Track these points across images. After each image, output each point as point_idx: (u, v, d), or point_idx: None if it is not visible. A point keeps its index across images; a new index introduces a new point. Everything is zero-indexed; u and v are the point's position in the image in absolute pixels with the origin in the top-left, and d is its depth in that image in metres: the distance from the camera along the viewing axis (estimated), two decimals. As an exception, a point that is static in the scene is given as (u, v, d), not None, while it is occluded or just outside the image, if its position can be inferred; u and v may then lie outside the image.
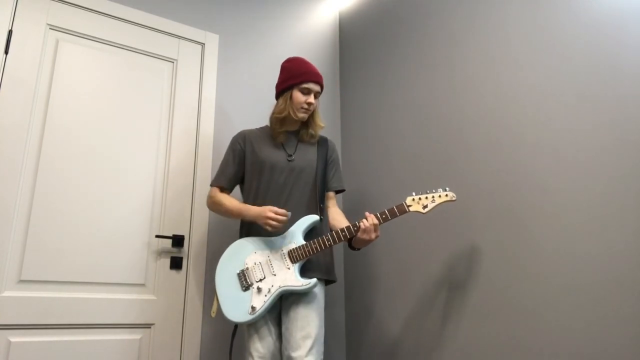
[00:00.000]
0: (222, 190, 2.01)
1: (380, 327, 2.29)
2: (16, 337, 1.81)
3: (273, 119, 2.02)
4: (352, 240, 1.83)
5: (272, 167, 1.95)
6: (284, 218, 1.77)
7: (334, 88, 2.92)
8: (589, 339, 1.51)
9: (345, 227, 1.80)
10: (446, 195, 1.77)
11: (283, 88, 2.00)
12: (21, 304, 1.84)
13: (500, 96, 1.93)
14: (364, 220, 1.77)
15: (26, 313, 1.84)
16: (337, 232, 1.79)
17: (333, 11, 3.09)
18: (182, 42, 2.46)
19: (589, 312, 1.53)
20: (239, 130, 2.24)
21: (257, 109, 2.55)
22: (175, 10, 2.47)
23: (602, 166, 1.56)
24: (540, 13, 1.84)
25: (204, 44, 2.51)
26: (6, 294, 1.83)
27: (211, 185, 2.04)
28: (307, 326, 1.76)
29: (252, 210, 1.85)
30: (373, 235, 1.77)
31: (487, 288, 1.84)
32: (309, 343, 1.73)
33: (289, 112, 1.97)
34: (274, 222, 1.77)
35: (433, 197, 1.78)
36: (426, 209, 1.77)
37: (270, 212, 1.78)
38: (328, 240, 1.78)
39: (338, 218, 2.00)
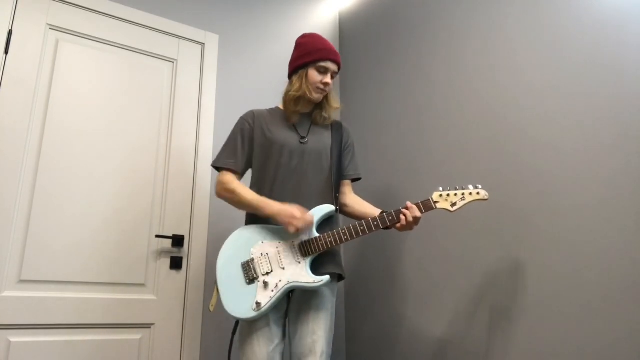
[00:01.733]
0: (234, 175, 1.78)
1: (380, 325, 2.29)
2: (16, 337, 1.81)
3: (289, 97, 1.83)
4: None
5: (283, 148, 1.76)
6: (310, 226, 1.63)
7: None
8: (590, 338, 1.51)
9: (379, 217, 1.65)
10: (477, 193, 1.60)
11: (297, 65, 1.82)
12: (21, 304, 1.84)
13: (500, 95, 1.93)
14: (405, 212, 1.62)
15: (26, 313, 1.84)
16: (368, 222, 1.64)
17: (333, 11, 3.09)
18: (182, 42, 2.46)
19: (590, 310, 1.52)
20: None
21: (257, 109, 2.55)
22: (175, 10, 2.47)
23: (603, 164, 1.56)
24: (540, 12, 1.83)
25: (204, 44, 2.51)
26: (6, 294, 1.83)
27: (217, 166, 1.79)
28: (319, 330, 1.63)
29: (274, 205, 1.64)
30: (414, 227, 1.64)
31: (486, 287, 1.84)
32: (319, 348, 1.60)
33: (305, 92, 1.79)
34: (299, 224, 1.60)
35: (463, 194, 1.61)
36: (455, 207, 1.61)
37: (299, 212, 1.60)
38: (355, 230, 1.62)
39: (364, 205, 1.84)
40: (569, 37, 1.72)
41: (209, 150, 2.38)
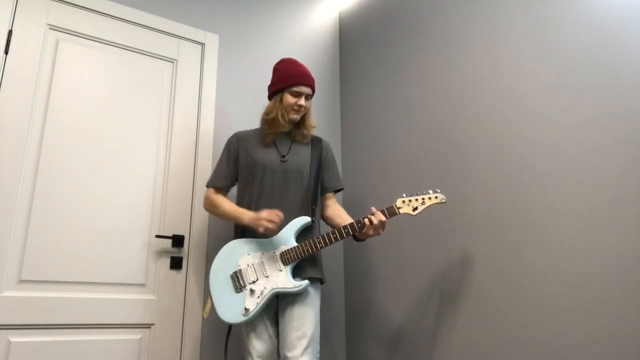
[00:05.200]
0: (218, 191, 2.00)
1: (380, 323, 2.29)
2: (16, 337, 1.81)
3: (262, 119, 2.04)
4: (357, 234, 1.85)
5: (265, 168, 1.95)
6: (277, 218, 1.78)
7: (334, 88, 2.92)
8: (590, 337, 1.51)
9: (349, 224, 1.81)
10: (436, 197, 1.79)
11: (274, 90, 2.02)
12: (21, 304, 1.84)
13: (500, 96, 1.93)
14: (371, 216, 1.79)
15: (26, 313, 1.84)
16: (339, 230, 1.81)
17: (333, 11, 3.09)
18: (182, 42, 2.46)
19: (590, 310, 1.53)
20: (238, 130, 2.23)
21: (257, 109, 2.54)
22: (175, 10, 2.47)
23: (603, 164, 1.56)
24: (540, 12, 1.84)
25: (204, 44, 2.51)
26: (6, 294, 1.83)
27: (207, 186, 2.03)
28: (303, 326, 1.77)
29: (247, 214, 1.85)
30: (380, 231, 1.80)
31: (486, 286, 1.84)
32: (304, 343, 1.74)
33: (276, 114, 1.98)
34: (266, 223, 1.77)
35: (423, 199, 1.79)
36: (416, 211, 1.79)
37: (264, 213, 1.79)
38: (329, 237, 1.79)
39: (341, 215, 2.02)
40: (568, 37, 1.72)
41: (209, 150, 2.38)
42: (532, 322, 1.67)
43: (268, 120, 2.01)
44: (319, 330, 1.83)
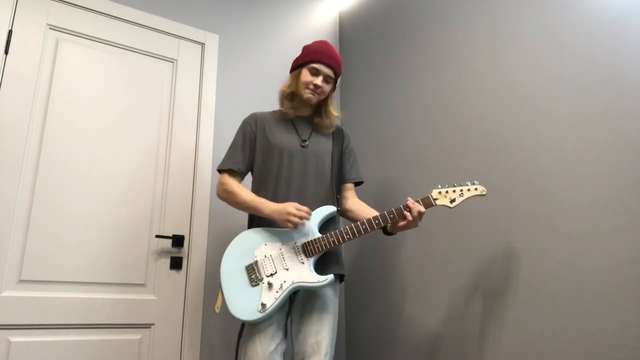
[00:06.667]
0: (234, 176, 1.82)
1: (380, 325, 2.29)
2: (16, 337, 1.81)
3: (282, 93, 1.91)
4: (388, 226, 1.71)
5: (283, 151, 1.81)
6: (307, 215, 1.64)
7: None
8: (592, 340, 1.51)
9: (380, 215, 1.66)
10: (475, 189, 1.64)
11: (295, 66, 1.91)
12: (21, 304, 1.84)
13: (501, 94, 1.93)
14: (411, 207, 1.64)
15: (26, 313, 1.84)
16: (369, 221, 1.65)
17: (333, 11, 3.09)
18: (182, 42, 2.46)
19: (590, 309, 1.52)
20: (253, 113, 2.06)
21: (257, 108, 2.55)
22: (175, 10, 2.47)
23: (603, 163, 1.56)
24: (541, 12, 1.84)
25: (204, 44, 2.51)
26: (6, 294, 1.83)
27: (220, 169, 1.85)
28: (322, 330, 1.64)
29: (271, 205, 1.68)
30: (418, 223, 1.66)
31: (488, 287, 1.84)
32: (323, 348, 1.62)
33: (294, 90, 1.87)
34: (296, 219, 1.62)
35: (462, 190, 1.64)
36: (454, 204, 1.64)
37: (292, 207, 1.63)
38: (357, 229, 1.64)
39: (363, 208, 1.86)
40: (569, 36, 1.72)
41: (209, 150, 2.38)
42: (530, 323, 1.67)
43: (287, 94, 1.88)
44: (336, 333, 1.70)
